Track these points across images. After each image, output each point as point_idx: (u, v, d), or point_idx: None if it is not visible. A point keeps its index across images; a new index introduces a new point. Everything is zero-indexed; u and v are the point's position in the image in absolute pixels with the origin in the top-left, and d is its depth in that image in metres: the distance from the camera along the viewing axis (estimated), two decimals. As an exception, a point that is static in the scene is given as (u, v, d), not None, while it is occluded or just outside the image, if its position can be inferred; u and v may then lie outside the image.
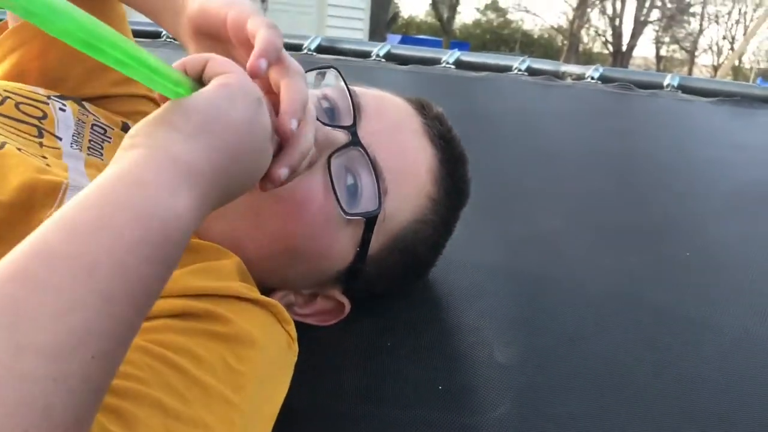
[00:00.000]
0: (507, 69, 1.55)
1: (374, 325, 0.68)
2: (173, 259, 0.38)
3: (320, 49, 1.60)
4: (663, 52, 22.13)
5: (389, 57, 1.59)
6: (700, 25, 20.92)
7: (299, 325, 0.58)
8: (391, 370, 0.63)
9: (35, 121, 0.59)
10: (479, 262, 0.80)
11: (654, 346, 0.68)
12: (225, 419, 0.43)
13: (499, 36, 24.29)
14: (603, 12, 20.38)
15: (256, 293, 0.53)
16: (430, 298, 0.74)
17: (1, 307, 0.30)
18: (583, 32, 21.15)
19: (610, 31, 20.31)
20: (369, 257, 0.62)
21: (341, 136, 0.59)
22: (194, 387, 0.42)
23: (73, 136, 0.60)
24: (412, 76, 1.50)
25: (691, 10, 20.39)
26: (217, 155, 0.41)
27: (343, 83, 0.62)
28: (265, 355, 0.50)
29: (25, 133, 0.57)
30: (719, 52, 20.93)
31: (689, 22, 20.90)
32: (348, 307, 0.66)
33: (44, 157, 0.54)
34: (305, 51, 1.58)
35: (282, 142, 0.49)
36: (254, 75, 0.47)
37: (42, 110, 0.60)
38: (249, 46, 0.50)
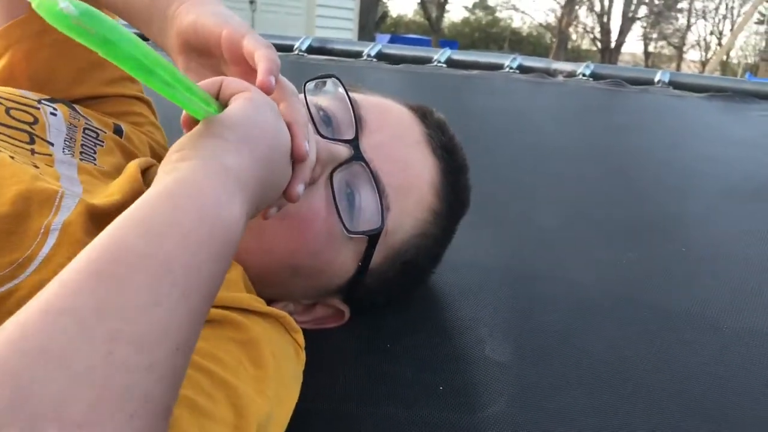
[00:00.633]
0: (498, 67, 1.56)
1: (371, 326, 0.68)
2: (229, 260, 0.39)
3: (311, 50, 1.60)
4: (651, 48, 22.23)
5: (380, 57, 1.59)
6: (688, 20, 21.03)
7: (298, 328, 0.58)
8: (388, 371, 0.63)
9: (26, 127, 0.58)
10: (474, 260, 0.80)
11: (651, 341, 0.68)
12: (251, 418, 0.44)
13: (487, 34, 24.34)
14: (591, 9, 20.47)
15: (263, 305, 0.54)
16: (426, 298, 0.74)
17: (88, 302, 0.31)
18: (571, 29, 21.21)
19: (598, 28, 20.40)
20: (370, 271, 0.61)
21: (343, 151, 0.58)
22: (221, 387, 0.44)
23: (65, 141, 0.59)
24: (404, 76, 1.50)
25: (679, 6, 20.51)
26: (257, 164, 0.43)
27: (343, 92, 0.61)
28: (277, 362, 0.51)
29: (16, 139, 0.56)
30: (707, 48, 21.04)
31: (677, 18, 21.01)
32: (347, 314, 0.66)
33: (36, 166, 0.53)
34: (296, 52, 1.58)
35: (295, 163, 0.50)
36: (265, 91, 0.48)
37: (33, 115, 0.60)
38: (243, 63, 0.51)
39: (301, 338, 0.57)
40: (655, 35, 21.69)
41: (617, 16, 19.43)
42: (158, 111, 0.78)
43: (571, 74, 1.53)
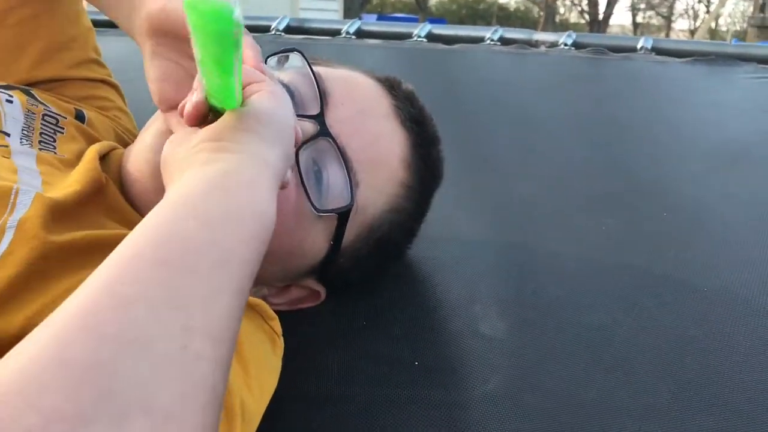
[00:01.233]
0: (480, 40, 1.54)
1: (352, 304, 0.67)
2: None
3: (289, 30, 1.57)
4: (639, 18, 22.14)
5: (360, 34, 1.57)
6: (676, -11, 20.92)
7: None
8: (373, 350, 0.62)
9: None
10: (457, 235, 0.80)
11: (633, 307, 0.67)
12: (234, 394, 0.45)
13: (474, 11, 24.19)
14: (578, -19, 20.34)
15: None
16: (409, 275, 0.73)
17: (159, 292, 0.31)
18: (559, 3, 21.09)
19: (586, 0, 20.28)
20: (343, 250, 0.60)
21: (308, 127, 0.56)
22: None
23: (22, 130, 0.57)
24: (384, 52, 1.48)
25: (666, -26, 20.39)
26: (284, 162, 0.43)
27: (308, 67, 0.59)
28: (254, 349, 0.51)
29: None
30: (695, 16, 20.97)
31: (664, -13, 20.91)
32: (323, 294, 0.65)
33: None
34: (273, 32, 1.56)
35: None
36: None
37: None
38: None
39: (277, 325, 0.57)
40: (643, 5, 21.60)
41: (604, -12, 19.29)
42: (127, 96, 0.76)
43: (553, 44, 1.52)
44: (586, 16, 20.04)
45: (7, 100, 0.59)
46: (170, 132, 0.51)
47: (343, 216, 0.57)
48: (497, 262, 0.75)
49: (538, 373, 0.60)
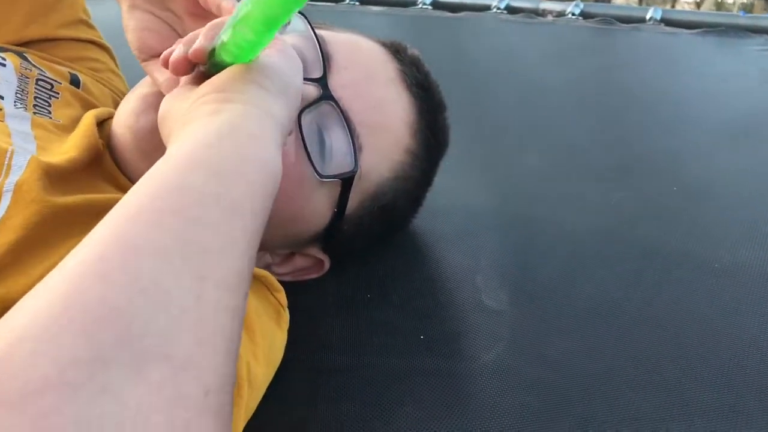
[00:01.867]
0: (486, 8, 1.51)
1: (357, 276, 0.67)
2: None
3: (291, -5, 1.54)
4: (645, -11, 21.89)
5: (363, 0, 1.54)
6: (682, -41, 20.68)
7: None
8: (378, 321, 0.62)
9: None
10: (463, 206, 0.78)
11: (642, 281, 0.66)
12: (241, 360, 0.45)
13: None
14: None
15: None
16: (413, 246, 0.72)
17: (171, 242, 0.30)
18: (563, -27, 20.85)
19: (590, -29, 20.05)
20: (347, 217, 0.59)
21: (311, 90, 0.54)
22: None
23: (16, 93, 0.56)
24: (388, 19, 1.46)
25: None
26: (288, 120, 0.42)
27: (311, 30, 0.57)
28: (260, 320, 0.51)
29: None
30: (701, -12, 20.73)
31: (670, -42, 20.67)
32: (327, 263, 0.64)
33: None
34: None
35: None
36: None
37: None
38: (198, 8, 0.50)
39: (283, 298, 0.56)
40: (648, -24, 21.36)
41: (609, -42, 19.07)
42: (120, 59, 0.75)
43: (561, 14, 1.49)
44: (591, -13, 19.85)
45: (0, 63, 0.57)
46: (153, 95, 0.51)
47: (346, 182, 0.56)
48: (503, 234, 0.74)
49: (541, 345, 0.59)
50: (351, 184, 0.56)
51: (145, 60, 0.51)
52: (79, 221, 0.45)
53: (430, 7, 1.52)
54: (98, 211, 0.46)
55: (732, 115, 1.01)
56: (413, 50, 0.64)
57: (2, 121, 0.52)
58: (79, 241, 0.30)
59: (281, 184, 0.54)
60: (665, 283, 0.66)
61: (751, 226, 0.74)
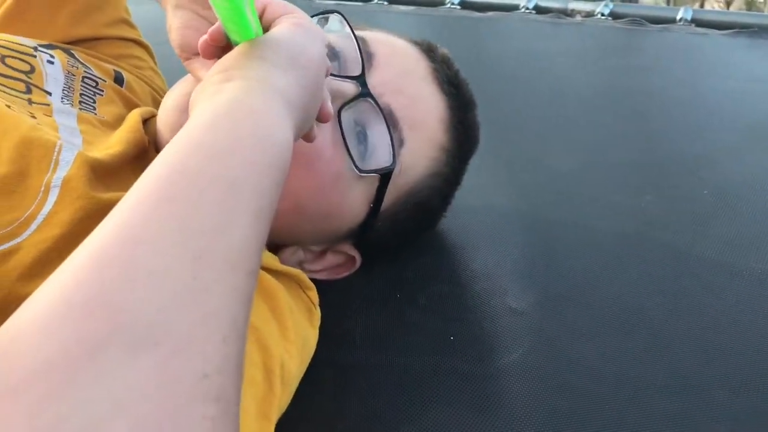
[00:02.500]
0: (514, 8, 1.51)
1: (384, 275, 0.67)
2: (282, 187, 0.38)
3: (321, -5, 1.55)
4: (673, -12, 21.58)
5: (392, 0, 1.55)
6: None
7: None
8: (403, 320, 0.62)
9: (23, 76, 0.56)
10: (490, 207, 0.79)
11: (671, 287, 0.66)
12: (275, 358, 0.46)
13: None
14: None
15: (277, 263, 0.53)
16: (441, 246, 0.73)
17: (166, 224, 0.30)
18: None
19: (618, -31, 19.81)
20: (382, 213, 0.60)
21: (350, 87, 0.55)
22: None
23: (63, 90, 0.58)
24: (416, 19, 1.46)
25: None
26: (302, 90, 0.42)
27: (349, 29, 0.59)
28: (293, 316, 0.51)
29: (12, 89, 0.54)
30: (731, -13, 20.38)
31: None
32: (359, 260, 0.65)
33: (33, 116, 0.51)
34: (305, -3, 1.54)
35: None
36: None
37: (29, 63, 0.58)
38: None
39: (315, 296, 0.57)
40: (677, -25, 21.05)
41: (638, -44, 18.83)
42: (159, 59, 0.76)
43: (590, 14, 1.48)
44: (619, -15, 19.62)
45: (48, 61, 0.59)
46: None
47: (385, 177, 0.57)
48: (530, 235, 0.74)
49: (566, 348, 0.59)
50: (389, 179, 0.57)
51: (187, 58, 0.51)
52: None
53: (458, 7, 1.52)
54: None
55: (763, 118, 1.00)
56: (443, 49, 0.65)
57: (50, 116, 0.54)
58: None
59: (316, 179, 0.55)
60: (694, 287, 0.66)
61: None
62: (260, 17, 0.45)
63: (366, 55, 0.58)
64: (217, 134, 0.35)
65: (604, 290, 0.66)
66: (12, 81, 0.55)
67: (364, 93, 0.56)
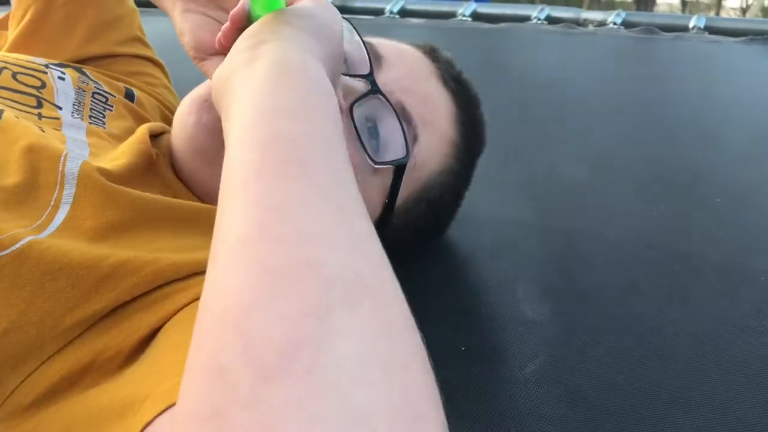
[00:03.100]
0: (526, 19, 1.51)
1: (403, 287, 0.67)
2: None
3: (332, 9, 1.56)
4: (688, -4, 21.49)
5: (403, 13, 1.56)
6: (727, -35, 20.23)
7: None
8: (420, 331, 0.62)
9: (34, 91, 0.57)
10: (505, 216, 0.79)
11: (686, 295, 0.66)
12: None
13: (518, -11, 23.80)
14: (625, -43, 19.81)
15: None
16: (454, 256, 0.73)
17: (299, 186, 0.31)
18: (604, -20, 20.59)
19: (632, -22, 19.77)
20: (397, 210, 0.60)
21: (359, 85, 0.57)
22: None
23: (73, 105, 0.59)
24: (428, 31, 1.47)
25: (717, -51, 19.72)
26: (329, 58, 0.42)
27: (357, 35, 0.60)
28: None
29: (23, 104, 0.55)
30: (747, -7, 20.25)
31: (715, -37, 20.24)
32: None
33: (42, 130, 0.52)
34: (317, 11, 1.55)
35: None
36: None
37: (40, 79, 0.59)
38: None
39: None
40: (692, -18, 20.95)
41: (652, -36, 18.76)
42: (173, 77, 0.77)
43: (602, 23, 1.48)
44: (633, -6, 19.56)
45: (59, 77, 0.60)
46: (209, 96, 0.52)
47: (399, 169, 0.58)
48: (543, 245, 0.74)
49: (582, 358, 0.59)
50: (403, 171, 0.58)
51: (201, 60, 0.51)
52: (147, 220, 0.48)
53: (469, 19, 1.53)
54: (163, 214, 0.49)
55: (777, 125, 1.00)
56: (445, 52, 0.67)
57: (59, 130, 0.54)
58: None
59: None
60: (709, 296, 0.65)
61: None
62: None
63: (375, 57, 0.59)
64: (286, 97, 0.36)
65: (618, 300, 0.66)
66: (23, 96, 0.56)
67: (374, 89, 0.57)
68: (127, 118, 0.63)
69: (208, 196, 0.55)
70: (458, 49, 1.31)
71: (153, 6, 0.63)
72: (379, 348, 0.26)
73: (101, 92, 0.63)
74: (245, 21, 0.45)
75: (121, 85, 0.67)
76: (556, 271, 0.70)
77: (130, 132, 0.59)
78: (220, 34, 0.47)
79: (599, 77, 1.24)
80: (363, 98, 0.56)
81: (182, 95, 0.75)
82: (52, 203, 0.46)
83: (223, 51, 0.45)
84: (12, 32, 0.69)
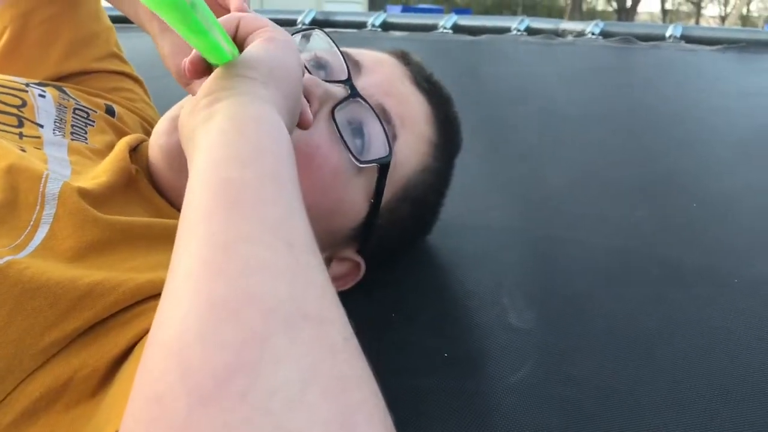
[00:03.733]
0: (506, 30, 1.53)
1: (382, 296, 0.67)
2: None
3: (315, 23, 1.58)
4: (668, 5, 21.74)
5: (385, 26, 1.57)
6: (706, -26, 20.49)
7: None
8: (403, 341, 0.62)
9: (14, 110, 0.58)
10: (487, 226, 0.80)
11: (664, 299, 0.67)
12: None
13: (501, 1, 23.97)
14: (605, -32, 20.02)
15: None
16: (438, 265, 0.74)
17: (248, 224, 0.32)
18: (586, -10, 20.80)
19: (613, -12, 19.97)
20: (382, 210, 0.61)
21: (340, 90, 0.59)
22: None
23: (55, 122, 0.59)
24: (410, 44, 1.48)
25: (696, -41, 19.97)
26: (284, 98, 0.44)
27: (333, 43, 0.62)
28: None
29: (4, 123, 0.56)
30: (726, 2, 20.51)
31: (694, -28, 20.48)
32: (363, 266, 0.66)
33: (23, 150, 0.53)
34: (300, 26, 1.56)
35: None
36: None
37: (21, 98, 0.59)
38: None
39: None
40: (672, -9, 21.19)
41: (632, -26, 18.95)
42: (153, 93, 0.78)
43: (581, 34, 1.51)
44: (614, 4, 19.77)
45: (40, 95, 0.61)
46: None
47: (383, 168, 0.59)
48: (526, 253, 0.75)
49: (566, 364, 0.59)
50: (387, 170, 0.59)
51: (186, 83, 0.53)
52: (122, 239, 0.49)
53: (450, 31, 1.55)
54: (139, 233, 0.49)
55: (752, 132, 1.02)
56: (416, 56, 0.70)
57: (40, 149, 0.55)
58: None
59: (316, 177, 0.57)
60: (687, 300, 0.66)
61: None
62: (234, 34, 0.47)
63: (353, 64, 0.61)
64: (238, 148, 0.37)
65: (599, 305, 0.66)
66: (4, 116, 0.56)
67: (353, 94, 0.59)
68: (108, 133, 0.63)
69: None
70: (440, 61, 1.34)
71: (132, 23, 0.64)
72: (318, 372, 0.27)
73: (82, 108, 0.64)
74: (203, 64, 0.46)
75: (101, 101, 0.67)
76: (537, 278, 0.71)
77: (112, 146, 0.59)
78: (184, 67, 0.47)
79: (579, 87, 1.26)
80: (343, 102, 0.58)
81: (162, 110, 0.75)
82: (31, 223, 0.46)
83: (199, 77, 0.46)
84: None
